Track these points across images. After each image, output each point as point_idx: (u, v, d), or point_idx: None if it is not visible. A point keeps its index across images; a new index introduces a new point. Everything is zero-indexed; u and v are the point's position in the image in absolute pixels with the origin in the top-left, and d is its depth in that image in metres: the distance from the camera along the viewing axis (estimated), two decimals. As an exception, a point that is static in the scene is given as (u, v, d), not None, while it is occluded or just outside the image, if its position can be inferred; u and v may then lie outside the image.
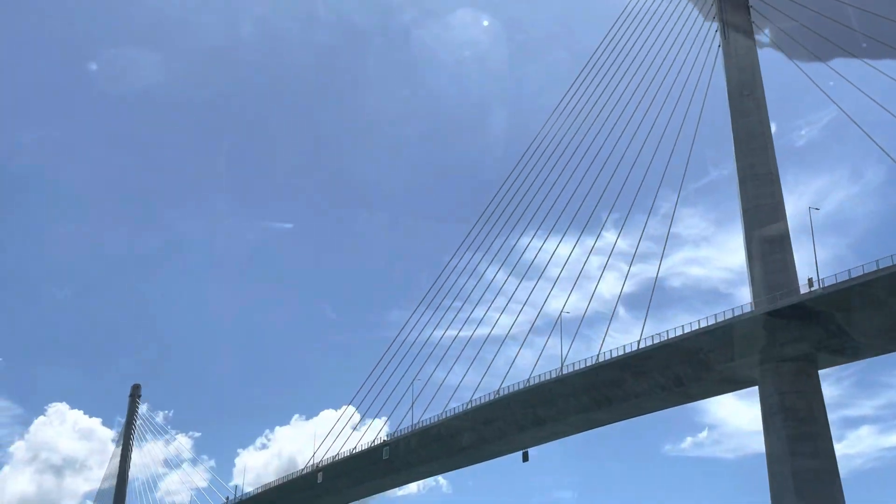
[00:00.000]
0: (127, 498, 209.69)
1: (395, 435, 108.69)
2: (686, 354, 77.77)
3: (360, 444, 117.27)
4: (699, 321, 76.92)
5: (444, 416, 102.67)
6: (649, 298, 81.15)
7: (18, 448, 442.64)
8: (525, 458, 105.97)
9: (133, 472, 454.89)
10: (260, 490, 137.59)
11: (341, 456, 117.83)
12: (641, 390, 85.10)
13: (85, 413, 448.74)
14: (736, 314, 75.05)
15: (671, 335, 78.87)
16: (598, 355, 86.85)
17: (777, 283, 77.42)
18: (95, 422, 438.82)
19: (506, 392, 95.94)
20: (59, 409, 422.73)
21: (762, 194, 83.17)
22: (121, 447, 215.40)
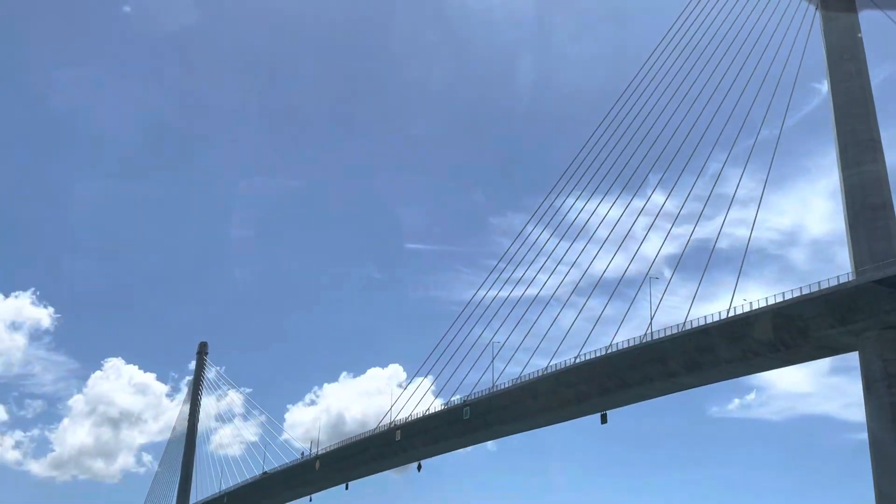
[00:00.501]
0: (197, 450, 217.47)
1: (476, 396, 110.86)
2: (785, 321, 77.86)
3: (432, 405, 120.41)
4: (800, 288, 76.83)
5: (527, 378, 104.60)
6: (740, 262, 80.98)
7: (77, 401, 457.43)
8: (604, 419, 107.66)
9: (186, 425, 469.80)
10: (336, 445, 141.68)
11: (420, 415, 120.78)
12: (733, 356, 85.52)
13: (140, 368, 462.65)
14: (841, 282, 74.72)
15: (770, 302, 78.99)
16: (684, 322, 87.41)
17: (879, 250, 76.92)
18: (150, 377, 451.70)
19: (591, 356, 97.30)
20: (114, 364, 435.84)
21: (864, 160, 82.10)
22: (189, 402, 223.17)
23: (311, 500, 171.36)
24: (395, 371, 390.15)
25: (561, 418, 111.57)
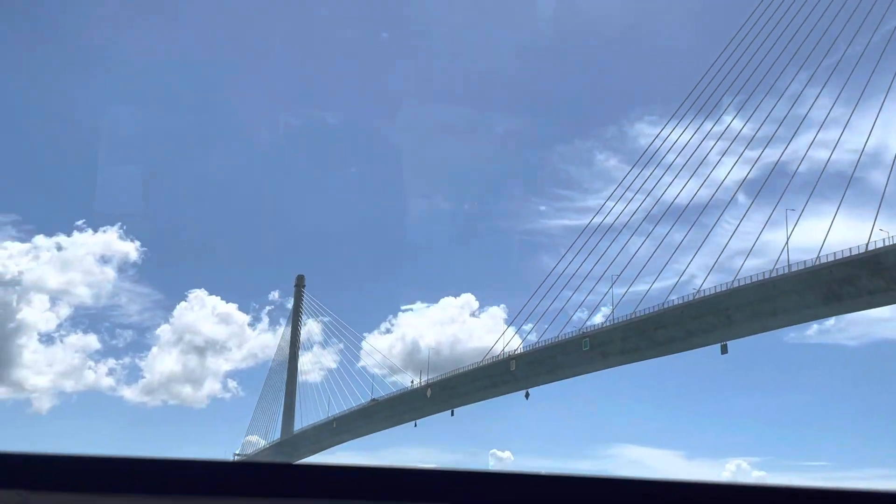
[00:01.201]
0: (297, 380, 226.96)
1: (598, 327, 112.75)
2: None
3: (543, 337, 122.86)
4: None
5: (651, 310, 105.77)
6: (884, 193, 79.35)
7: (164, 331, 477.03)
8: (724, 350, 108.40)
9: (269, 353, 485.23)
10: (448, 374, 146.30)
11: (538, 346, 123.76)
12: (876, 287, 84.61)
13: (222, 299, 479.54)
14: None
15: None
16: (818, 252, 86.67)
17: None
18: (232, 307, 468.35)
19: (716, 291, 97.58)
20: (198, 295, 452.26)
21: None
22: (289, 328, 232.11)
23: (415, 425, 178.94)
24: (468, 300, 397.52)
25: (681, 349, 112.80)
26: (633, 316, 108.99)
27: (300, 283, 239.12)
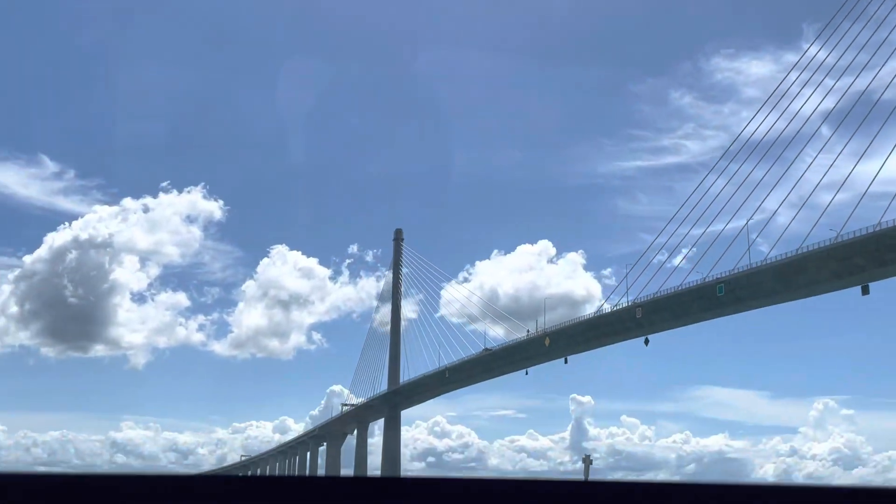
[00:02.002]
0: (401, 330, 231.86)
1: (735, 272, 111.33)
2: None
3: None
4: None
5: (790, 255, 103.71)
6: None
7: (249, 287, 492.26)
8: (866, 291, 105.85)
9: (351, 306, 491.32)
10: (568, 324, 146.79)
11: (667, 293, 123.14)
12: None
13: (303, 254, 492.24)
14: None
15: None
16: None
17: None
18: (313, 261, 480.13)
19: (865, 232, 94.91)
20: (279, 250, 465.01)
21: None
22: (390, 285, 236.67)
23: (527, 373, 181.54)
24: (545, 247, 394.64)
25: (820, 291, 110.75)
26: (770, 261, 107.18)
27: (398, 237, 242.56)
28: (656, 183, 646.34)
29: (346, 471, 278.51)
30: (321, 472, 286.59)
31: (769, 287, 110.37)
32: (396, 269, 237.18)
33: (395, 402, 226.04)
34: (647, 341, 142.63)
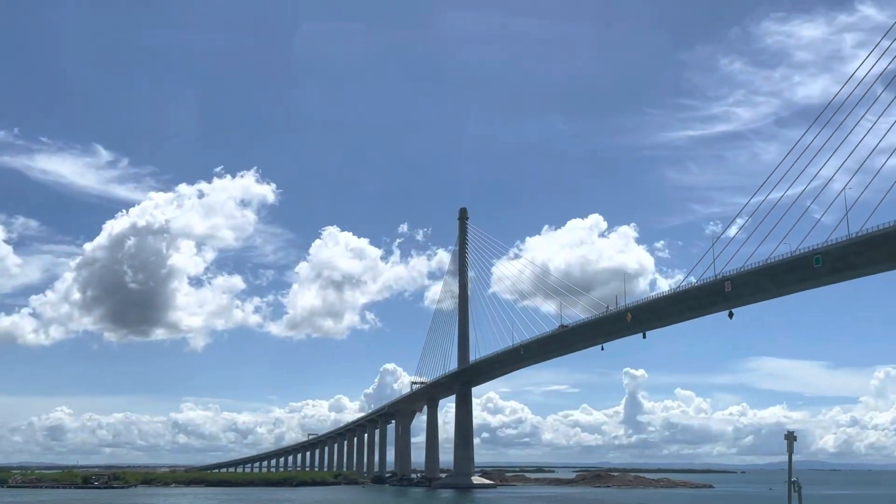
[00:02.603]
0: (469, 306, 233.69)
1: (831, 243, 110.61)
2: None
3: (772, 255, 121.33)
4: None
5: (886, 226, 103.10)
6: None
7: (302, 268, 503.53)
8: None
9: (403, 285, 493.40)
10: (653, 298, 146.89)
11: (757, 265, 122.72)
12: None
13: (354, 234, 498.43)
14: None
15: None
16: None
17: None
18: (364, 242, 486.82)
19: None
20: (331, 231, 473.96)
21: None
22: (458, 265, 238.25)
23: (602, 349, 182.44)
24: (595, 221, 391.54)
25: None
26: (873, 230, 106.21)
27: (463, 216, 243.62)
28: (707, 152, 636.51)
29: (417, 447, 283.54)
30: (390, 448, 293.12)
31: (869, 256, 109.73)
32: (462, 248, 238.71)
33: (465, 379, 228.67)
34: (731, 314, 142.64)
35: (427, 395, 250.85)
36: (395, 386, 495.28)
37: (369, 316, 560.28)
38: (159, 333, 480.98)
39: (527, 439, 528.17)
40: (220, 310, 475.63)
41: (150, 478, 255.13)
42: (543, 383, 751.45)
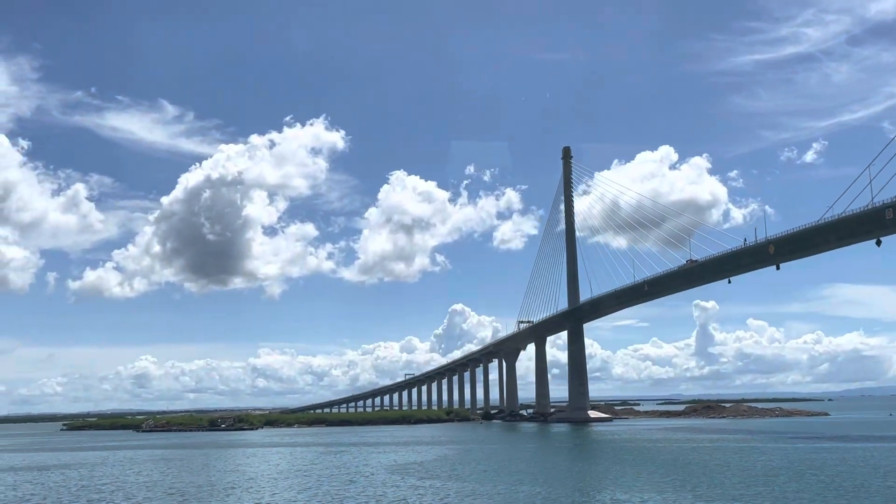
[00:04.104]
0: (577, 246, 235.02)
1: None
2: None
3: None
4: None
5: None
6: None
7: (372, 214, 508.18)
8: None
9: (472, 226, 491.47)
10: (797, 230, 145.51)
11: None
12: None
13: (421, 178, 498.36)
14: None
15: None
16: None
17: None
18: (431, 185, 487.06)
19: None
20: (398, 176, 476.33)
21: None
22: (563, 203, 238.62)
23: (729, 282, 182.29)
24: (666, 153, 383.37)
25: None
26: None
27: (566, 155, 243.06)
28: (775, 76, 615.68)
29: (525, 385, 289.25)
30: (493, 388, 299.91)
31: None
32: (567, 187, 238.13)
33: (578, 316, 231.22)
34: (878, 242, 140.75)
35: (534, 334, 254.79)
36: (464, 325, 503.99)
37: (439, 258, 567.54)
38: (237, 282, 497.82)
39: (597, 374, 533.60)
40: (295, 257, 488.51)
41: (272, 419, 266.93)
42: (612, 318, 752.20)
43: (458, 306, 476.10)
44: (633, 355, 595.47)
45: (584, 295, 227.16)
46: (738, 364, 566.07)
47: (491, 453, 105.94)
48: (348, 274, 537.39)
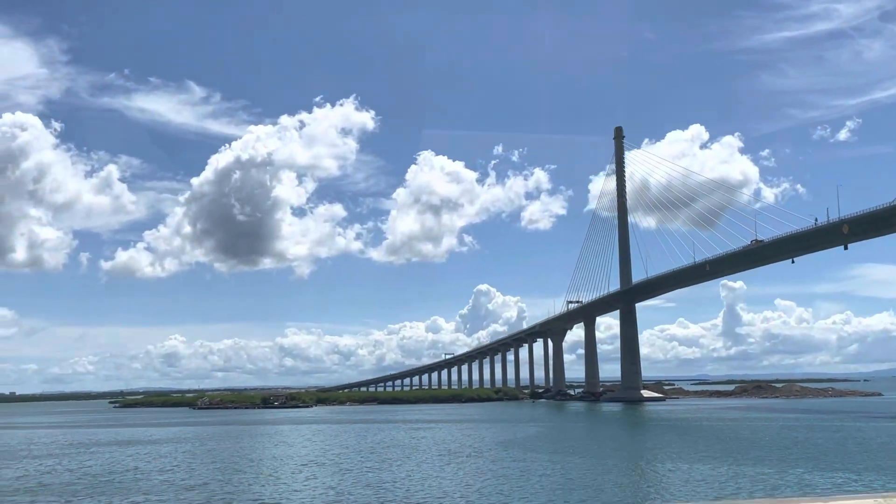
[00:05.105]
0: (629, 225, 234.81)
1: None
2: None
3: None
4: None
5: None
6: None
7: (400, 194, 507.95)
8: None
9: (500, 206, 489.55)
10: (883, 207, 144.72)
11: None
12: None
13: (449, 158, 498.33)
14: None
15: None
16: None
17: None
18: (459, 165, 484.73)
19: None
20: (426, 156, 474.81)
21: None
22: (615, 181, 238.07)
23: (793, 262, 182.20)
24: (697, 132, 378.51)
25: None
26: None
27: (619, 135, 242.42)
28: (805, 53, 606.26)
29: (573, 365, 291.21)
30: (538, 367, 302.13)
31: None
32: (620, 168, 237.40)
33: (630, 296, 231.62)
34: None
35: (584, 313, 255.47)
36: (489, 306, 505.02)
37: (467, 238, 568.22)
38: (266, 263, 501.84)
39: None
40: (323, 238, 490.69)
41: (323, 397, 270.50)
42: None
43: (484, 286, 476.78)
44: (660, 336, 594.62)
45: (635, 275, 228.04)
46: (766, 345, 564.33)
47: (578, 431, 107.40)
48: (376, 254, 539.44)
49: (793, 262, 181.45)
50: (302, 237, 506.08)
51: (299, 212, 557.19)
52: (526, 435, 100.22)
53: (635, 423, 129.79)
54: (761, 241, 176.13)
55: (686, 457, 67.86)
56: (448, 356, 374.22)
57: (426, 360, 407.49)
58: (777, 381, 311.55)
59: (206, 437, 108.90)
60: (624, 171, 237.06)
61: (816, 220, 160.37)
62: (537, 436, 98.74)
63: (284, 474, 60.97)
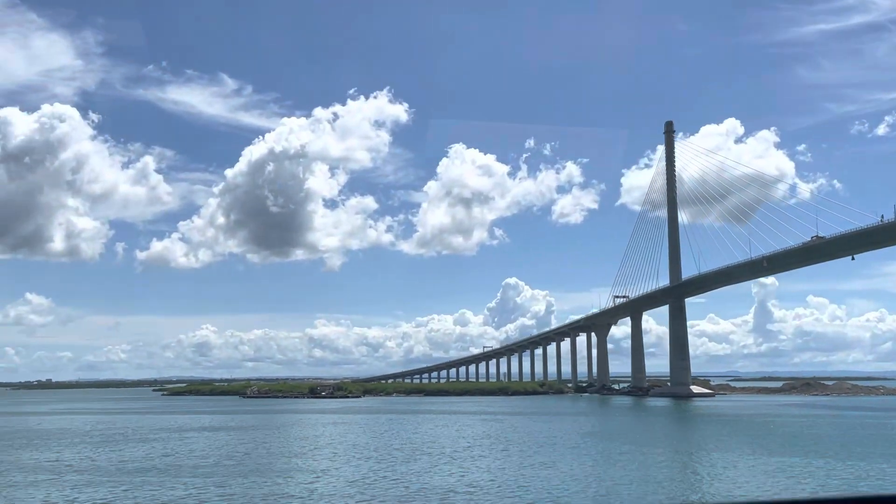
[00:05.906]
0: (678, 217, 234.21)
1: None
2: None
3: None
4: None
5: None
6: None
7: (431, 187, 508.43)
8: None
9: (531, 200, 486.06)
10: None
11: None
12: None
13: (480, 151, 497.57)
14: None
15: None
16: None
17: None
18: (490, 158, 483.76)
19: None
20: (457, 149, 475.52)
21: None
22: (665, 175, 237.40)
23: (853, 259, 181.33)
24: (732, 126, 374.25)
25: None
26: None
27: (669, 129, 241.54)
28: (841, 46, 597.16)
29: (619, 360, 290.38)
30: (581, 360, 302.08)
31: None
32: (670, 162, 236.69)
33: (679, 292, 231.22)
34: None
35: (631, 308, 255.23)
36: (518, 299, 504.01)
37: (498, 232, 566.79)
38: (299, 254, 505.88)
39: (652, 350, 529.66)
40: (355, 230, 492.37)
41: (369, 388, 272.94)
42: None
43: (512, 280, 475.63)
44: (689, 331, 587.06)
45: (685, 271, 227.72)
46: (798, 342, 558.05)
47: (656, 424, 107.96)
48: (407, 247, 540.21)
49: (853, 258, 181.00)
50: (334, 229, 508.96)
51: (331, 204, 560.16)
52: (592, 429, 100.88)
53: (706, 419, 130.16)
54: (822, 237, 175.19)
55: (803, 454, 68.35)
56: (487, 349, 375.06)
57: (454, 354, 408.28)
58: (815, 378, 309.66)
59: (312, 424, 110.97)
60: (674, 166, 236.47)
61: (882, 216, 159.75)
62: (619, 428, 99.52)
63: (460, 457, 62.25)
